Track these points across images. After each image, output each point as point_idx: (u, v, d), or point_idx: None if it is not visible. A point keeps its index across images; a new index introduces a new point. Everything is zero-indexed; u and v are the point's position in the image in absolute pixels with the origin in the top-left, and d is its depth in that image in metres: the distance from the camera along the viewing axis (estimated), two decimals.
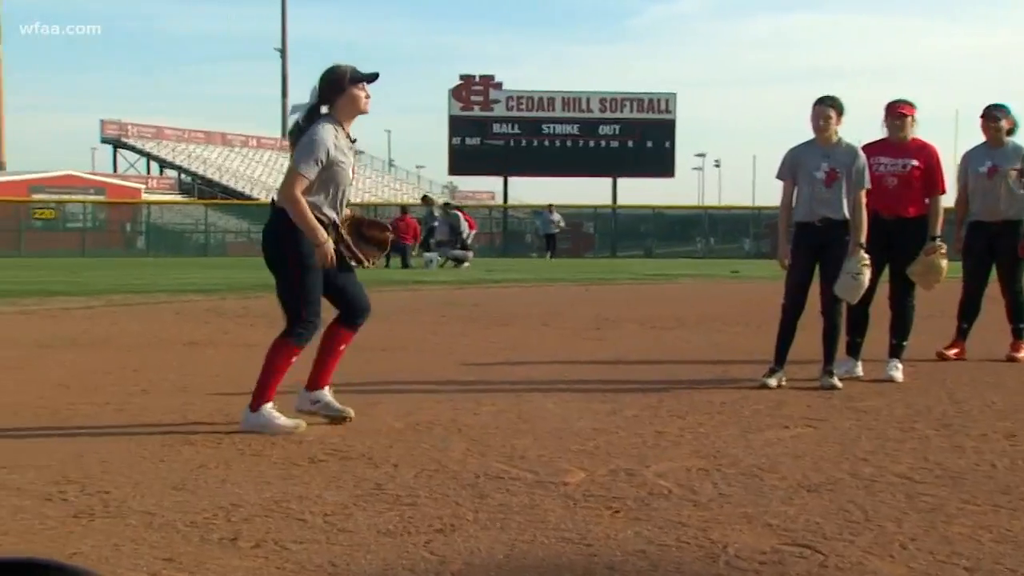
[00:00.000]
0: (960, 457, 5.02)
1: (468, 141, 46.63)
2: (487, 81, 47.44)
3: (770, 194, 75.40)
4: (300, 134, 5.63)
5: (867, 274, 7.11)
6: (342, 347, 5.98)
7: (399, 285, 20.09)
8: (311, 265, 5.58)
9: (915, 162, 7.64)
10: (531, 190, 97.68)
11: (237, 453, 5.12)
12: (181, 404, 6.49)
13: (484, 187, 73.63)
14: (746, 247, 44.65)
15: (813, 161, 7.20)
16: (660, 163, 48.02)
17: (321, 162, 5.49)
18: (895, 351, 7.66)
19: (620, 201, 47.70)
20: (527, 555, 3.57)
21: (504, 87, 47.48)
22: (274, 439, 5.40)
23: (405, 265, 27.93)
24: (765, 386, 7.05)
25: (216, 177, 66.05)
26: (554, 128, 46.75)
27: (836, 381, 7.11)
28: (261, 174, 68.66)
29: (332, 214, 5.70)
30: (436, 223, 29.59)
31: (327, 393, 5.90)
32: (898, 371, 7.56)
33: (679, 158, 50.02)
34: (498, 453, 5.11)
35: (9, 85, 63.93)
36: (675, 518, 3.95)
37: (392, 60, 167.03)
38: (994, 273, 8.67)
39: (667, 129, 47.41)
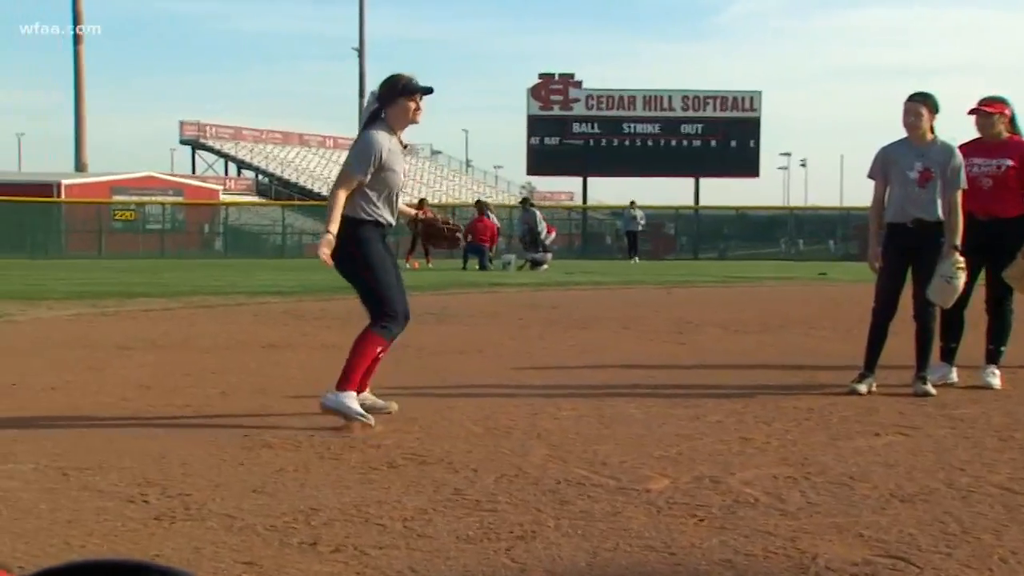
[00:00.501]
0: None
1: (547, 141, 46.64)
2: (566, 80, 47.42)
3: (859, 195, 74.36)
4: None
5: (962, 278, 6.97)
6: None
7: (476, 287, 20.18)
8: (381, 263, 5.87)
9: (1010, 161, 7.45)
10: (610, 191, 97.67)
11: (316, 456, 5.17)
12: (260, 406, 6.58)
13: (563, 187, 73.63)
14: (832, 249, 44.12)
15: (906, 160, 7.08)
16: (744, 163, 47.70)
17: (373, 165, 5.78)
18: (992, 357, 7.51)
19: (703, 202, 47.43)
20: (610, 563, 3.56)
21: (584, 86, 47.44)
22: (352, 443, 5.45)
23: (483, 267, 27.99)
24: (855, 392, 6.96)
25: (293, 178, 66.93)
26: (635, 127, 46.61)
27: (930, 387, 6.99)
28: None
29: (390, 217, 5.97)
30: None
31: (369, 396, 6.10)
32: (996, 378, 7.41)
33: (763, 157, 49.66)
34: (579, 458, 5.10)
35: (90, 86, 65.08)
36: (762, 527, 3.91)
37: (470, 59, 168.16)
38: None
39: (752, 128, 47.04)
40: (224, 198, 55.34)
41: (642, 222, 36.63)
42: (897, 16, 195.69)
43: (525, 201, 32.58)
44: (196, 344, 10.13)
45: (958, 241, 6.98)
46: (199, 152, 69.71)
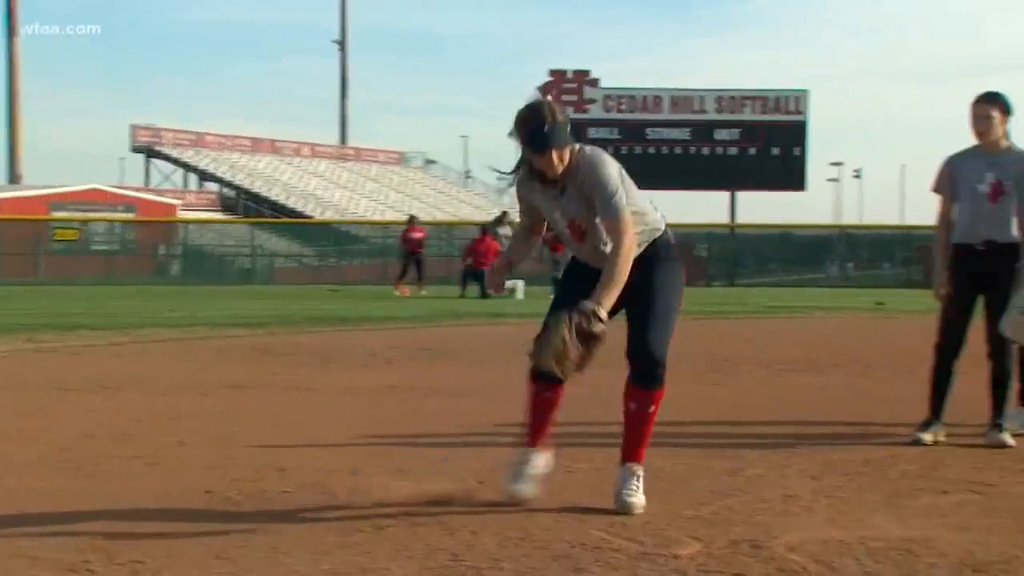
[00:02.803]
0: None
1: None
2: (581, 78, 47.56)
3: (922, 211, 74.32)
4: None
5: None
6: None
7: (476, 317, 20.19)
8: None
9: None
10: None
11: (289, 516, 5.16)
12: (223, 458, 6.56)
13: None
14: (890, 273, 44.09)
15: (975, 172, 7.09)
16: (788, 174, 47.76)
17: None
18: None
19: (739, 219, 47.45)
20: None
21: (601, 84, 47.56)
22: (333, 500, 5.44)
23: (484, 294, 27.94)
24: (919, 442, 6.95)
25: (264, 191, 66.79)
26: (661, 132, 46.67)
27: (1007, 437, 6.97)
28: (316, 187, 69.32)
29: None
30: None
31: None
32: None
33: (811, 168, 49.72)
34: (596, 519, 5.08)
35: (27, 89, 65.32)
36: None
37: (470, 53, 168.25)
38: None
39: (796, 133, 47.16)
40: (183, 214, 55.36)
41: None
42: (966, 3, 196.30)
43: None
44: (149, 385, 10.12)
45: None
46: (153, 161, 69.51)
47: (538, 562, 4.37)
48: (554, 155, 5.12)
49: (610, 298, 5.05)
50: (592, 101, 46.95)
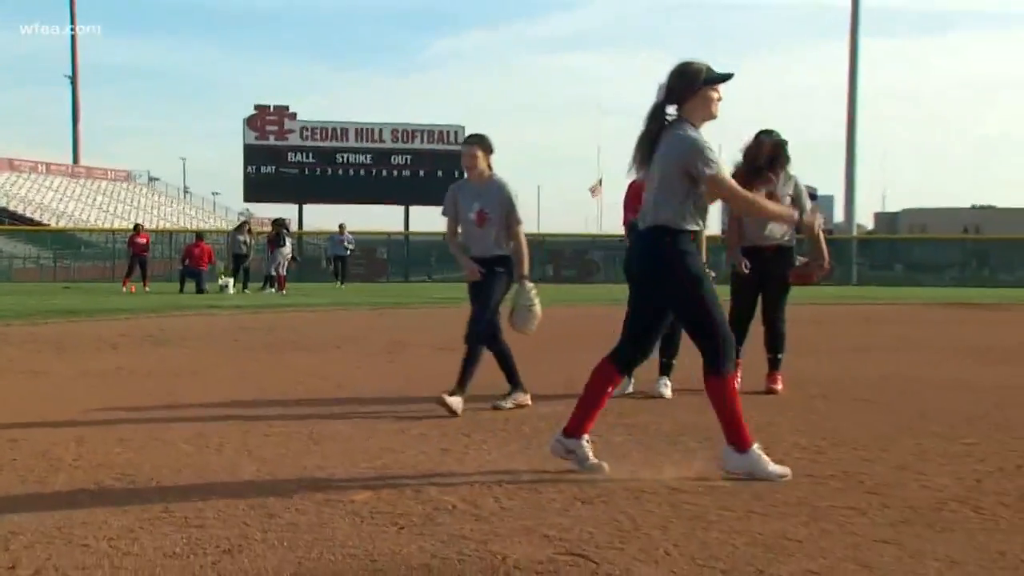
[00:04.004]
0: (720, 468, 5.19)
1: (263, 169, 45.77)
2: (282, 111, 46.72)
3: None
4: (652, 138, 4.99)
5: (539, 304, 7.18)
6: (611, 390, 5.24)
7: (192, 310, 19.58)
8: (707, 282, 4.99)
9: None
10: (326, 217, 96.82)
11: (18, 481, 4.88)
12: None
13: (279, 214, 72.35)
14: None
15: (466, 201, 7.23)
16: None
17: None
18: (665, 370, 7.93)
19: (412, 228, 47.69)
20: (313, 572, 3.52)
21: (299, 117, 46.92)
22: (59, 466, 5.18)
23: (200, 290, 27.31)
24: (499, 408, 7.16)
25: (4, 202, 62.87)
26: (347, 157, 46.37)
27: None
28: (51, 200, 65.79)
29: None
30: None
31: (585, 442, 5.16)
32: (667, 388, 7.82)
33: None
34: (288, 473, 5.04)
35: None
36: (458, 532, 3.97)
37: (189, 87, 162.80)
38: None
39: (456, 159, 47.58)
40: None
41: (350, 246, 35.71)
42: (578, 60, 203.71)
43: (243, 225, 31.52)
44: None
45: (526, 270, 7.22)
46: None
47: (238, 511, 4.28)
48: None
49: None
50: (291, 131, 46.22)
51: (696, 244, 5.07)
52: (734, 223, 8.20)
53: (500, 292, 7.16)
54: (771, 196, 7.05)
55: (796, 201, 7.71)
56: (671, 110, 4.96)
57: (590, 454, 5.08)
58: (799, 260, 7.75)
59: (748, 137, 7.20)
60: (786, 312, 8.26)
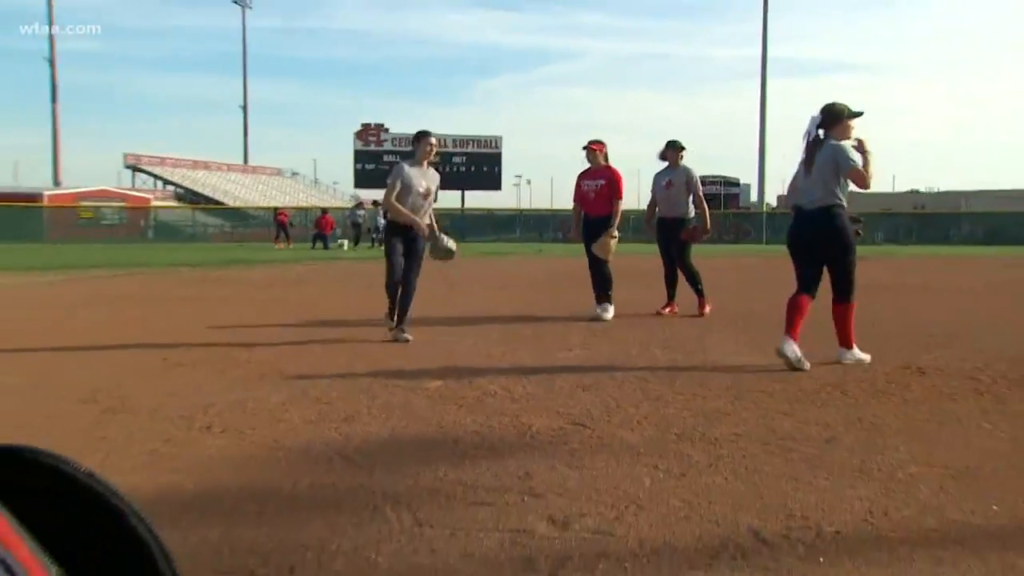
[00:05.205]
0: (675, 363, 5.13)
1: (367, 166, 45.89)
2: (379, 127, 46.66)
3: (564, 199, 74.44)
4: (812, 149, 5.07)
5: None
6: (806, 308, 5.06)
7: (320, 260, 19.62)
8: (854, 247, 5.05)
9: (603, 181, 7.39)
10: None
11: (213, 371, 4.90)
12: (174, 339, 6.16)
13: (377, 197, 72.00)
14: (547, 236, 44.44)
15: (417, 180, 6.45)
16: (492, 180, 47.84)
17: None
18: (603, 299, 7.52)
19: (467, 205, 47.21)
20: (402, 434, 3.52)
21: (390, 131, 46.73)
22: (236, 363, 5.18)
23: (325, 247, 27.46)
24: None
25: (201, 190, 63.23)
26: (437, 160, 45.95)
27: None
28: (231, 187, 66.27)
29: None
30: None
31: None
32: (608, 312, 7.44)
33: (504, 176, 49.79)
34: (386, 369, 5.01)
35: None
36: (499, 409, 3.94)
37: (317, 112, 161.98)
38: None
39: (496, 158, 47.23)
40: (155, 203, 51.52)
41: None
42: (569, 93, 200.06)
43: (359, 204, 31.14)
44: (137, 296, 9.41)
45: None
46: (137, 173, 64.97)
47: (352, 393, 4.25)
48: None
49: None
50: (385, 140, 46.14)
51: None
52: (651, 205, 7.93)
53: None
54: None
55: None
56: (821, 133, 5.06)
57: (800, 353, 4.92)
58: (692, 226, 7.67)
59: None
60: (690, 259, 7.79)
